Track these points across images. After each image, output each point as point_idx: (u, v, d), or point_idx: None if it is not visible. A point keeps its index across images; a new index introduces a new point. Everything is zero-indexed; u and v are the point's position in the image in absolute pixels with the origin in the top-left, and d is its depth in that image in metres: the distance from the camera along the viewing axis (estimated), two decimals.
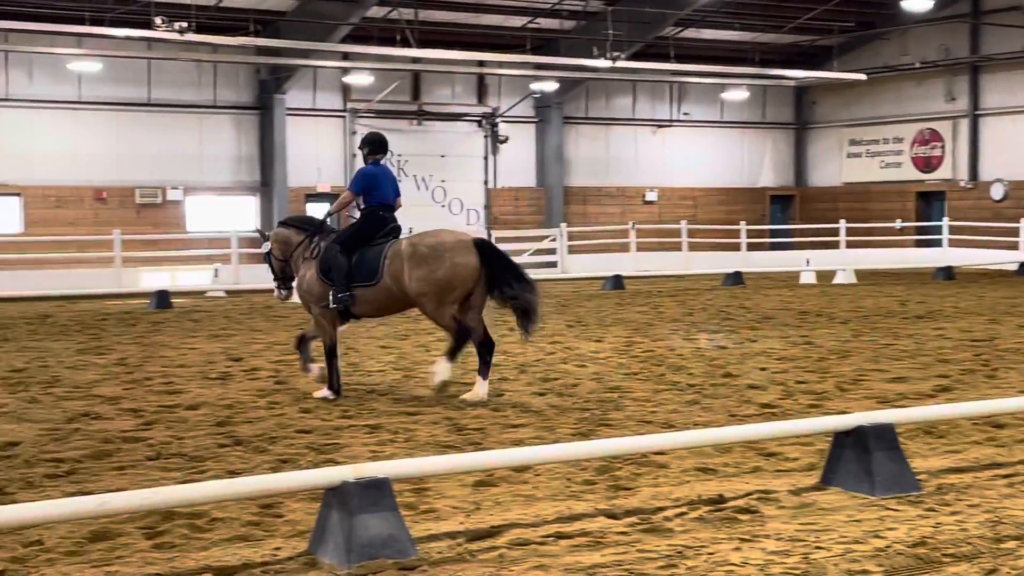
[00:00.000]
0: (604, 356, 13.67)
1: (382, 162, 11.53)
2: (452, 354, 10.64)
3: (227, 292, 25.19)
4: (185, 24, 25.62)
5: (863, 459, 6.90)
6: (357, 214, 12.28)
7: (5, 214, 30.33)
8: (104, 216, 30.86)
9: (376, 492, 5.70)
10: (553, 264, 32.93)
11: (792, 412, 9.73)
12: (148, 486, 6.99)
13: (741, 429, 7.64)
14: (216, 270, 27.55)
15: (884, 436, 6.95)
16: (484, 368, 10.61)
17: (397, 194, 11.43)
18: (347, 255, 10.84)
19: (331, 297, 10.78)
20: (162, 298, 21.70)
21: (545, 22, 34.65)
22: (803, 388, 11.05)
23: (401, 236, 11.20)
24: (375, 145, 11.49)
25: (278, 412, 9.92)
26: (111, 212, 31.10)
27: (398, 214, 11.44)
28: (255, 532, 6.22)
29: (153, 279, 26.25)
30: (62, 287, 24.51)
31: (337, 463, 7.54)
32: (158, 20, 25.27)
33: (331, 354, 10.82)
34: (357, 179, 11.24)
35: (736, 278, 27.15)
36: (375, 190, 11.17)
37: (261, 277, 28.77)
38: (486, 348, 10.66)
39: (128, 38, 27.01)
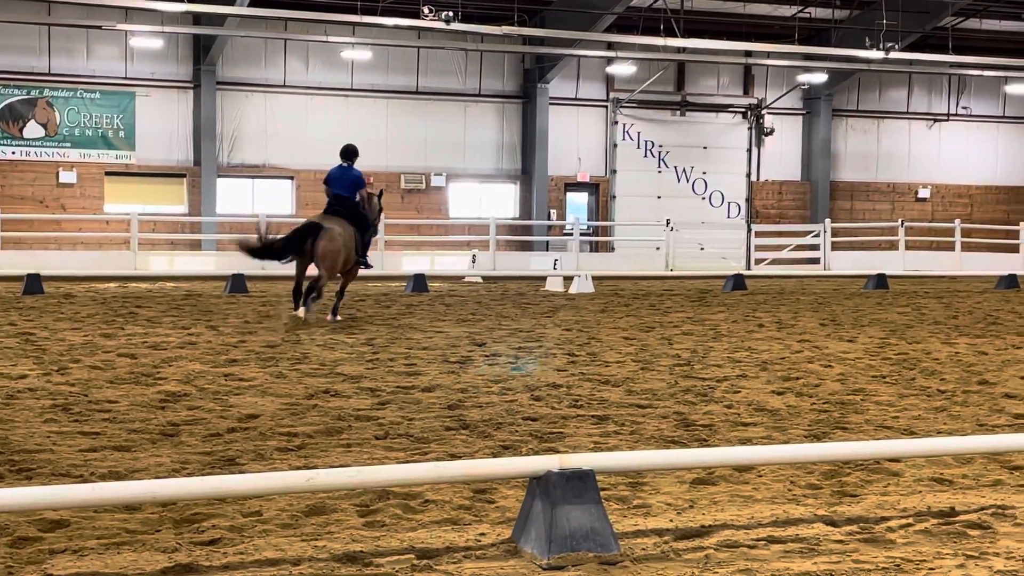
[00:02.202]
0: (853, 357, 13.20)
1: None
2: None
3: (483, 278, 25.67)
4: (452, 13, 26.25)
5: None
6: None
7: (279, 196, 31.84)
8: None
9: (580, 484, 5.63)
10: (816, 260, 32.16)
11: None
12: (370, 463, 7.16)
13: (981, 439, 7.20)
14: (474, 256, 28.12)
15: None
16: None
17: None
18: None
19: None
20: (419, 281, 22.30)
21: (816, 11, 33.80)
22: None
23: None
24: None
25: (509, 399, 10.00)
26: None
27: None
28: (464, 516, 6.27)
29: (413, 263, 27.01)
30: None
31: (557, 452, 7.53)
32: (426, 10, 25.97)
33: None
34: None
35: (1011, 281, 25.83)
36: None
37: (517, 264, 29.27)
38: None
39: (397, 27, 27.89)
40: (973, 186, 38.64)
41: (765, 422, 9.15)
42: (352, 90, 32.07)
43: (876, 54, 30.86)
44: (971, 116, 38.62)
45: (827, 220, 32.86)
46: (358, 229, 15.97)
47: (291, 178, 31.90)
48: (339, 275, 16.18)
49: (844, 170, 37.53)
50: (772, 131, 35.67)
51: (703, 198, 35.62)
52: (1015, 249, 33.32)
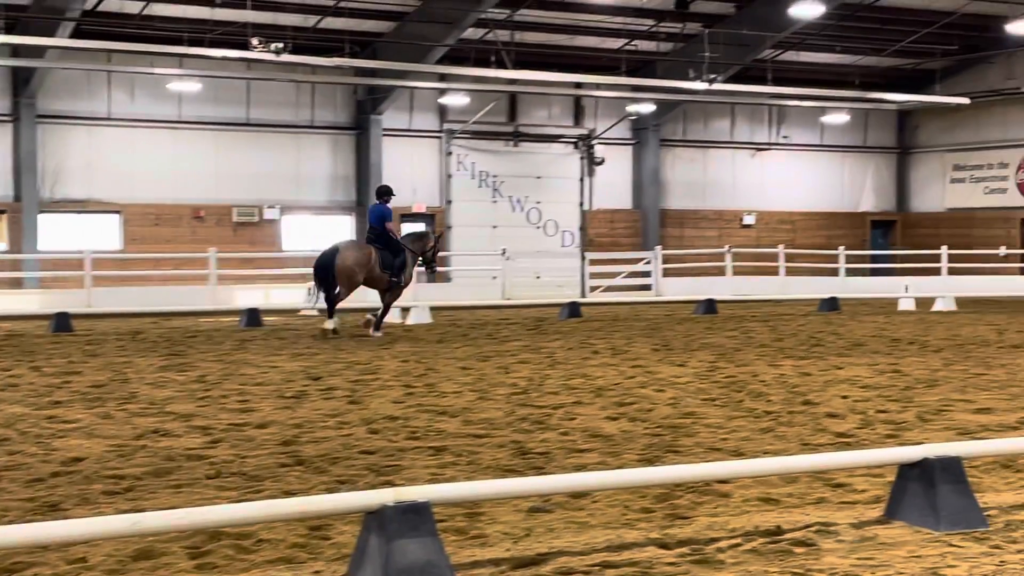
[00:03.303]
0: (684, 381, 13.47)
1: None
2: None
3: (319, 311, 25.38)
4: (282, 45, 26.02)
5: (928, 493, 6.65)
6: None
7: (106, 231, 31.01)
8: (202, 234, 31.41)
9: (416, 516, 5.61)
10: (648, 287, 32.73)
11: (867, 442, 9.45)
12: (201, 504, 7.00)
13: (805, 458, 7.42)
14: (309, 288, 27.74)
15: (951, 469, 6.69)
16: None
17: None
18: None
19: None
20: (252, 316, 21.96)
21: (642, 44, 34.54)
22: (883, 418, 10.75)
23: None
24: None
25: (345, 432, 9.91)
26: (208, 230, 31.65)
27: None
28: (299, 554, 6.17)
29: (247, 297, 26.57)
30: (157, 304, 24.95)
31: (393, 485, 7.48)
32: (255, 41, 25.69)
33: None
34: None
35: (832, 304, 26.68)
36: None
37: (353, 297, 29.04)
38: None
39: (226, 58, 27.50)
40: (795, 212, 39.92)
41: (600, 448, 9.25)
42: (180, 122, 31.50)
43: (700, 85, 31.68)
44: (791, 145, 39.94)
45: (658, 247, 33.48)
46: (390, 253, 19.37)
47: (118, 212, 31.10)
48: (383, 294, 19.70)
49: (673, 198, 38.36)
50: (603, 161, 36.25)
51: (538, 227, 35.97)
52: (835, 272, 34.51)
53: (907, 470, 6.80)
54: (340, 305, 19.63)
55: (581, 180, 36.56)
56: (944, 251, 34.00)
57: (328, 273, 19.08)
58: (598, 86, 33.86)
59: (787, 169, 39.92)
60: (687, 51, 33.46)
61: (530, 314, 25.49)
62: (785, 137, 39.76)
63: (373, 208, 19.89)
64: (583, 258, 32.52)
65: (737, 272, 33.64)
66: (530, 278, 31.50)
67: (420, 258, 20.16)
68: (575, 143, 36.51)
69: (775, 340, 18.88)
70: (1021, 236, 37.84)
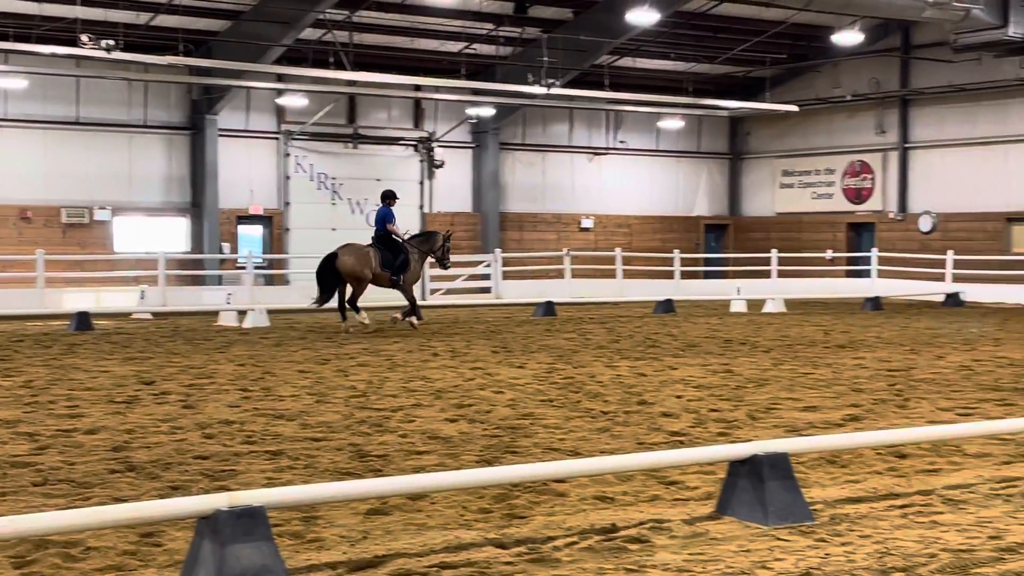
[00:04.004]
0: (523, 382, 13.58)
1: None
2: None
3: (153, 314, 24.83)
4: (113, 42, 25.31)
5: (757, 488, 6.84)
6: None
7: None
8: (29, 235, 30.39)
9: (251, 521, 5.53)
10: (487, 290, 32.85)
11: (700, 440, 9.68)
12: (26, 512, 6.77)
13: (640, 457, 7.55)
14: (143, 292, 27.16)
15: (778, 465, 6.90)
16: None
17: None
18: None
19: None
20: (82, 320, 21.33)
21: (482, 48, 34.69)
22: (715, 416, 11.02)
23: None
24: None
25: (179, 438, 9.71)
26: (36, 232, 30.64)
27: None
28: (130, 562, 6.03)
29: (77, 300, 25.80)
30: None
31: (228, 490, 7.36)
32: (84, 38, 24.94)
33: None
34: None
35: (667, 306, 27.20)
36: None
37: (189, 299, 28.50)
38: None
39: (54, 55, 26.64)
40: (632, 216, 40.58)
41: (439, 450, 9.27)
42: (6, 120, 30.39)
43: (539, 90, 31.97)
44: (628, 150, 40.60)
45: (498, 250, 33.64)
46: (391, 253, 20.77)
47: None
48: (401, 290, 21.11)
49: (513, 201, 38.61)
50: (443, 163, 36.28)
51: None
52: (670, 275, 35.21)
53: (737, 467, 6.99)
54: (330, 304, 20.95)
55: (421, 183, 36.54)
56: (774, 254, 35.00)
57: (328, 277, 20.50)
58: (438, 89, 33.85)
59: (624, 173, 40.56)
60: (526, 55, 33.74)
61: (372, 317, 25.30)
62: (622, 142, 40.40)
63: (377, 211, 21.46)
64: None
65: (576, 275, 34.04)
66: None
67: (431, 257, 21.83)
68: (415, 146, 36.47)
69: (612, 342, 19.17)
70: (847, 240, 39.21)
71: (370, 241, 21.16)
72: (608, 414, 11.17)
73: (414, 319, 21.32)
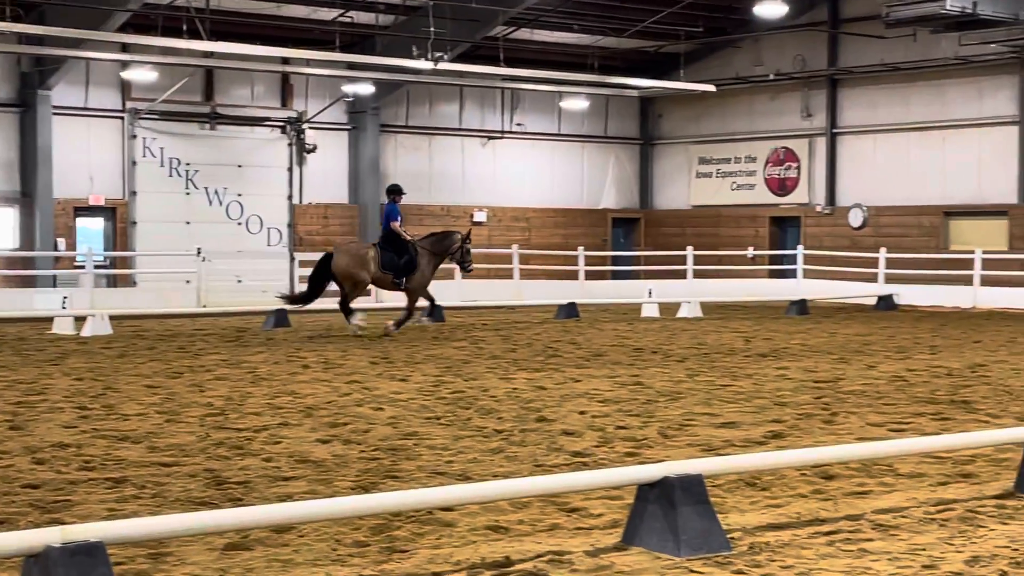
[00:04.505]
0: (406, 397, 13.59)
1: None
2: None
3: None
4: None
5: (669, 515, 6.91)
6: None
7: None
8: None
9: (88, 559, 5.45)
10: (367, 292, 32.73)
11: (605, 462, 9.76)
12: None
13: (537, 481, 7.59)
14: None
15: (692, 489, 6.98)
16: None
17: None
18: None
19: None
20: None
21: (359, 16, 34.58)
22: (623, 434, 11.13)
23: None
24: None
25: (5, 464, 9.55)
26: None
27: None
28: None
29: None
30: None
31: (62, 523, 7.23)
32: None
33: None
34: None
35: (570, 310, 27.39)
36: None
37: (17, 303, 27.93)
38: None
39: None
40: (531, 208, 40.75)
41: (309, 475, 9.24)
42: None
43: (425, 64, 31.96)
44: (526, 133, 40.75)
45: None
46: (395, 254, 21.74)
47: None
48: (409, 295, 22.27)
49: None
50: (315, 148, 36.07)
51: (239, 223, 35.43)
52: (574, 275, 35.45)
53: (646, 491, 7.05)
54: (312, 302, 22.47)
55: (290, 170, 36.29)
56: (690, 252, 35.44)
57: (321, 276, 21.83)
58: (309, 62, 33.65)
59: (522, 160, 40.72)
60: (410, 25, 33.69)
61: (231, 324, 25.13)
62: (519, 125, 40.55)
63: (385, 207, 22.64)
64: (292, 259, 32.27)
65: (467, 275, 34.01)
66: (231, 282, 31.04)
67: (448, 259, 22.80)
68: (282, 127, 36.20)
69: (508, 351, 19.25)
70: (769, 236, 39.84)
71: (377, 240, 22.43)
72: (502, 433, 11.21)
73: (425, 319, 23.07)
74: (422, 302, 23.01)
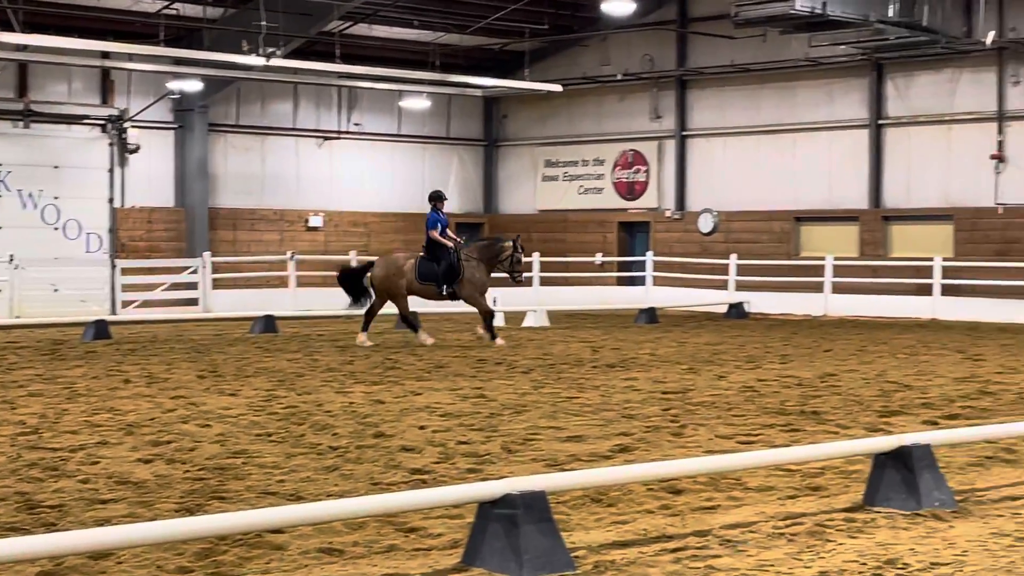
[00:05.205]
0: (236, 413, 13.47)
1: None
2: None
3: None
4: None
5: (511, 534, 6.94)
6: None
7: None
8: None
9: None
10: (194, 301, 32.33)
11: (445, 479, 9.78)
12: None
13: (373, 500, 7.57)
14: None
15: (535, 506, 7.02)
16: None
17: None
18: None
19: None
20: None
21: (185, 8, 34.15)
22: (465, 450, 11.15)
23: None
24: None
25: None
26: None
27: None
28: None
29: None
30: None
31: None
32: None
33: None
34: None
35: (412, 320, 27.30)
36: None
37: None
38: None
39: None
40: (370, 213, 40.60)
41: (129, 497, 9.10)
42: None
43: (256, 60, 31.66)
44: (364, 134, 40.60)
45: (207, 253, 33.13)
46: (435, 262, 22.17)
47: None
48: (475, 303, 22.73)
49: (225, 194, 38.05)
50: (138, 148, 35.38)
51: (56, 228, 34.57)
52: None
53: (487, 509, 7.07)
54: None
55: (111, 171, 35.51)
56: (536, 259, 35.69)
57: (350, 284, 22.76)
58: (131, 57, 33.13)
59: (360, 162, 40.60)
60: (240, 19, 33.35)
61: (46, 335, 24.62)
62: (357, 124, 40.42)
63: (428, 215, 22.92)
64: (113, 267, 31.70)
65: (302, 283, 33.84)
66: (46, 291, 30.38)
67: (499, 267, 22.64)
68: (103, 126, 35.44)
69: (345, 363, 19.18)
70: (618, 241, 40.30)
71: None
72: (337, 450, 11.16)
73: (491, 337, 22.34)
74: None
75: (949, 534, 7.99)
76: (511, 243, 22.78)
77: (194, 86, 35.19)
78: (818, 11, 27.99)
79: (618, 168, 40.31)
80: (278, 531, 7.65)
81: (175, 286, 32.94)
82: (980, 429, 11.05)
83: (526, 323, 28.04)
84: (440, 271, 22.20)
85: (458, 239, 22.94)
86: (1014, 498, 9.17)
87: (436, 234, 22.36)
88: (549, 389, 15.75)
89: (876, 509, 8.67)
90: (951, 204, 34.04)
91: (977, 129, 33.67)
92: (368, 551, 7.56)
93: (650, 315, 29.39)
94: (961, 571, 7.14)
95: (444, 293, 22.44)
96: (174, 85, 35.16)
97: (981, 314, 30.24)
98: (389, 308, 23.34)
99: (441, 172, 42.52)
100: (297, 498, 9.07)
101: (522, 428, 12.44)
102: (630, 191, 40.01)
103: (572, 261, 38.39)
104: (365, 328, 22.65)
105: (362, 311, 22.89)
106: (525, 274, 23.39)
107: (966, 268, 32.43)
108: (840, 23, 29.27)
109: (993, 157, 33.23)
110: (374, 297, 22.68)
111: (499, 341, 22.04)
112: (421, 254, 22.62)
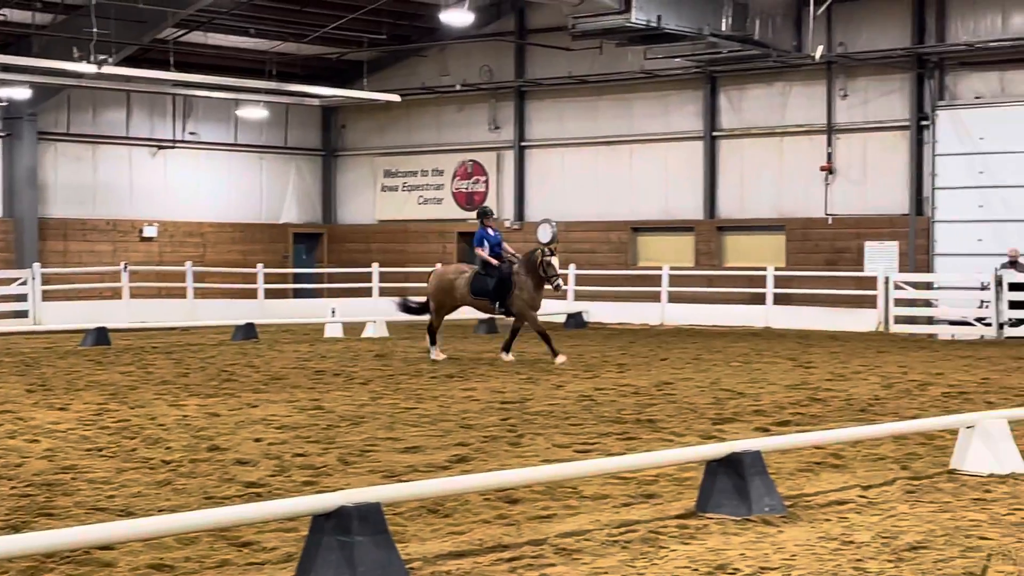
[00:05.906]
0: (65, 428, 13.24)
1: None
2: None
3: None
4: None
5: (345, 547, 6.90)
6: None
7: None
8: None
9: None
10: (24, 314, 31.66)
11: (281, 492, 9.70)
12: None
13: (203, 514, 7.44)
14: None
15: (369, 518, 6.99)
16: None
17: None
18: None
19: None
20: None
21: (13, 14, 33.35)
22: (301, 462, 11.09)
23: None
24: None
25: None
26: None
27: None
28: None
29: None
30: None
31: None
32: None
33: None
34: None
35: (248, 331, 27.18)
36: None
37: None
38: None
39: None
40: (205, 223, 40.08)
41: None
42: None
43: (87, 67, 31.06)
44: (200, 143, 40.04)
45: (36, 264, 32.46)
46: (489, 277, 22.11)
47: None
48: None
49: (55, 204, 37.28)
50: None
51: None
52: (253, 294, 35.08)
53: (321, 521, 7.03)
54: None
55: None
56: (375, 269, 35.58)
57: (412, 312, 23.74)
58: None
59: (195, 172, 40.08)
60: (70, 25, 32.71)
61: None
62: (192, 134, 39.90)
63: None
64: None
65: (136, 294, 33.36)
66: None
67: (542, 278, 22.02)
68: None
69: (179, 375, 18.98)
70: (458, 251, 40.35)
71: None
72: (170, 464, 11.04)
73: (553, 354, 21.44)
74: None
75: (778, 539, 8.16)
76: (540, 250, 22.33)
77: (23, 93, 34.41)
78: (653, 24, 28.31)
79: (457, 178, 40.38)
80: (107, 547, 7.55)
81: (3, 298, 32.17)
82: (808, 435, 11.34)
83: (365, 333, 27.96)
84: (491, 286, 22.08)
85: (513, 254, 22.60)
86: (841, 503, 9.40)
87: (481, 251, 22.23)
88: (387, 400, 15.74)
89: (708, 515, 8.81)
90: (783, 215, 34.76)
91: (808, 141, 34.42)
92: (200, 566, 7.47)
93: (489, 325, 29.47)
94: (789, 575, 7.29)
95: (498, 309, 22.43)
96: (1, 92, 34.32)
97: (812, 322, 30.98)
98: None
99: (279, 182, 42.19)
100: (127, 513, 8.94)
101: (359, 440, 12.41)
102: (469, 201, 40.10)
103: (412, 271, 38.27)
104: (433, 342, 22.48)
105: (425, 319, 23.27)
106: (561, 283, 22.31)
107: (797, 278, 33.13)
108: (675, 36, 29.65)
109: (823, 169, 33.98)
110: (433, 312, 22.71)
111: (560, 359, 21.23)
112: (477, 268, 22.50)
